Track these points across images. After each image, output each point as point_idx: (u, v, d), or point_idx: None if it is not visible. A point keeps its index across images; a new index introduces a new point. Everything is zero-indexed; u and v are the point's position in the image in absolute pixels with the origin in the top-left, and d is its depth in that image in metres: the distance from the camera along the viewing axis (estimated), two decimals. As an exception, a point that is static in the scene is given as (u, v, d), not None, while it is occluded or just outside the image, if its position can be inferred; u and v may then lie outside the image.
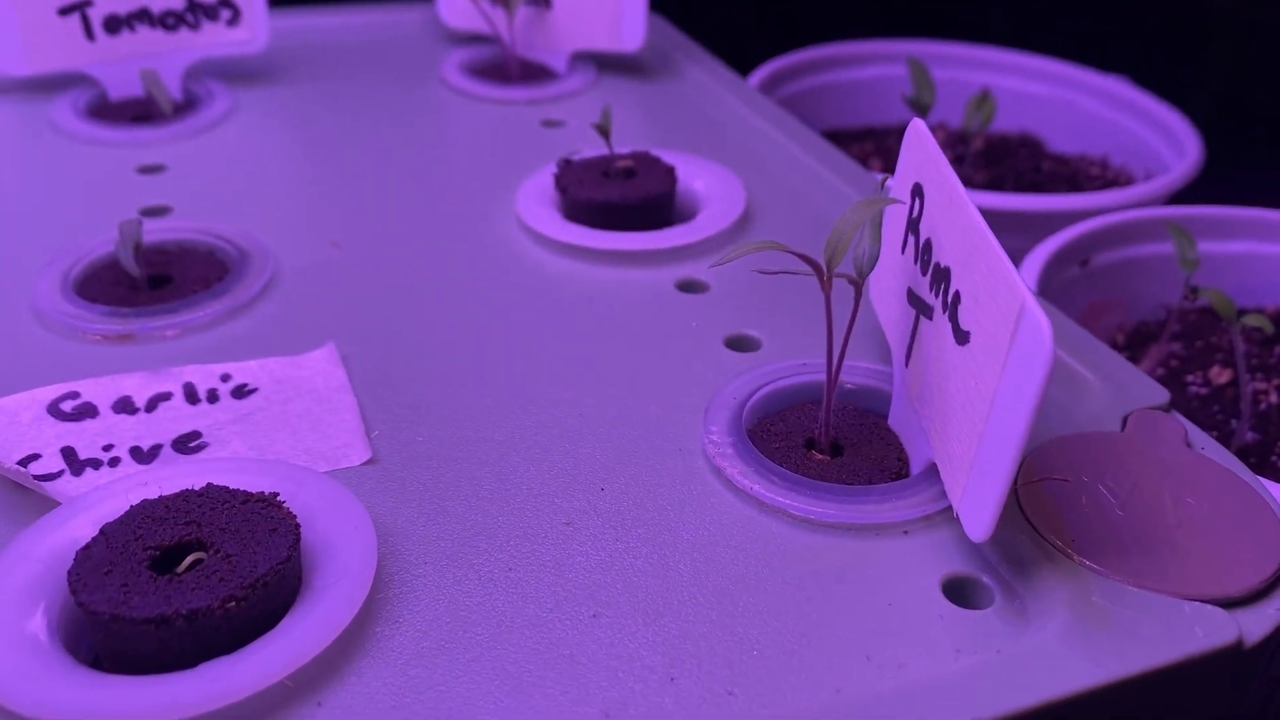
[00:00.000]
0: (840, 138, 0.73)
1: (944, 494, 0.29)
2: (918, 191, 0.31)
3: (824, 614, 0.27)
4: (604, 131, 0.43)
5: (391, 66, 0.59)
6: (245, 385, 0.33)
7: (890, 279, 0.33)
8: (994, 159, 0.68)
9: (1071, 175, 0.68)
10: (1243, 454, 0.44)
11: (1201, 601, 0.26)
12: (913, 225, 0.31)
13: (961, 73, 0.74)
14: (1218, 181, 0.62)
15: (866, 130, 0.75)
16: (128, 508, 0.27)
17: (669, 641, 0.26)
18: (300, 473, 0.29)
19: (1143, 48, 0.85)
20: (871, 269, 0.29)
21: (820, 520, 0.29)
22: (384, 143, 0.51)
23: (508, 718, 0.24)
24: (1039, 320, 0.23)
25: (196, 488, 0.28)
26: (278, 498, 0.27)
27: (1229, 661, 0.25)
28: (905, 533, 0.29)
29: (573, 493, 0.30)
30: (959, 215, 0.28)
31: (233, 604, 0.24)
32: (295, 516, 0.27)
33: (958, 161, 0.65)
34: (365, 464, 0.31)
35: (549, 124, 0.53)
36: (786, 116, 0.53)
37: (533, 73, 0.58)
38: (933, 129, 0.73)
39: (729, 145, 0.51)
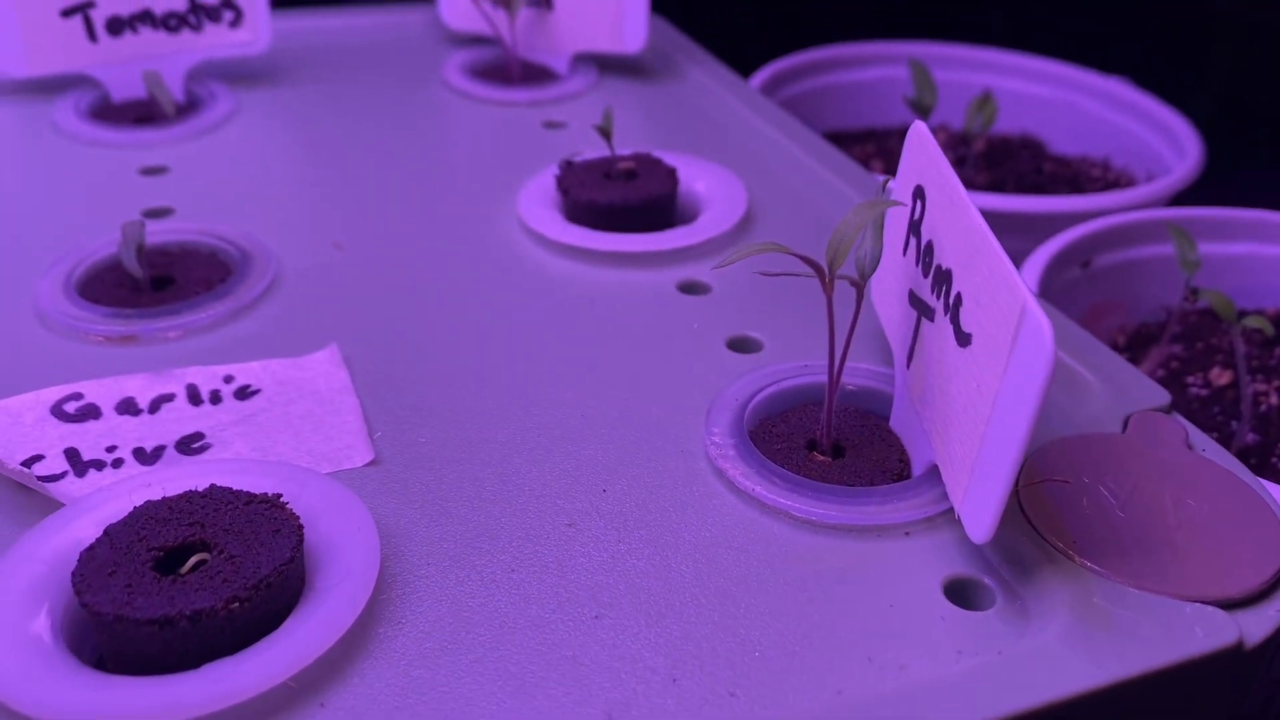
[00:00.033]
0: (842, 139, 0.73)
1: (945, 495, 0.29)
2: (919, 193, 0.31)
3: (826, 615, 0.27)
4: (605, 133, 0.43)
5: (393, 68, 0.59)
6: (248, 386, 0.33)
7: (892, 281, 0.33)
8: (995, 160, 0.68)
9: (1073, 177, 0.68)
10: (1243, 455, 0.44)
11: (1202, 603, 0.26)
12: (914, 227, 0.31)
13: (963, 74, 0.74)
14: (1219, 183, 0.62)
15: (868, 132, 0.75)
16: (131, 509, 0.27)
17: (671, 643, 0.26)
18: (303, 474, 0.29)
19: (1144, 49, 0.85)
20: (873, 271, 0.29)
21: (822, 521, 0.29)
22: (386, 144, 0.51)
23: (510, 719, 0.24)
24: (1040, 322, 0.23)
25: (200, 489, 0.28)
26: (281, 499, 0.27)
27: (1229, 663, 0.25)
28: (907, 534, 0.29)
29: (575, 494, 0.30)
30: (960, 217, 0.28)
31: (236, 605, 0.24)
32: (298, 518, 0.27)
33: (959, 163, 0.65)
34: (368, 465, 0.31)
35: (550, 125, 0.53)
36: (788, 118, 0.53)
37: (534, 74, 0.58)
38: (934, 130, 0.73)
39: (730, 147, 0.51)
